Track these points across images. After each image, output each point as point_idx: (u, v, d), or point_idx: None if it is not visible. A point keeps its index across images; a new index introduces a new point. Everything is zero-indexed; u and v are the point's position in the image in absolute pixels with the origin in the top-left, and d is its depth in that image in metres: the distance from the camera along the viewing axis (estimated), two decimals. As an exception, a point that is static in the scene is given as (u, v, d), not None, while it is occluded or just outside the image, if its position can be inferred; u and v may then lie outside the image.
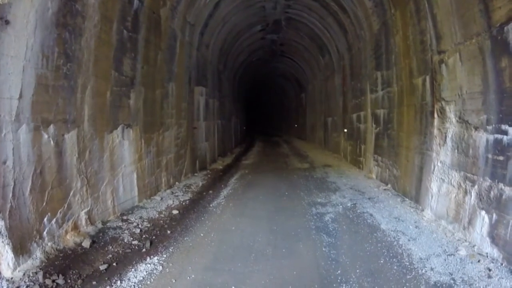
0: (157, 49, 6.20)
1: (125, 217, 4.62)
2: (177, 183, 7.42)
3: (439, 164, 4.36)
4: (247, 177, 8.27)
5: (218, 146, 11.88)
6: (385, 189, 5.99)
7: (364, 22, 7.66)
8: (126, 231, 4.07)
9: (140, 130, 5.53)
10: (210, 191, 6.65)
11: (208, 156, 10.26)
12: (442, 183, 4.26)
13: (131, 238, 3.88)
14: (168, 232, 4.20)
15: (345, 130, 9.96)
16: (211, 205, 5.54)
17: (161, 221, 4.61)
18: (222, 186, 7.16)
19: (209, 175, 8.56)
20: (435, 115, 4.49)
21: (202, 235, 4.10)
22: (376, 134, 7.03)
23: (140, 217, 4.64)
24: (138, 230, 4.15)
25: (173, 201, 5.71)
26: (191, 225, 4.47)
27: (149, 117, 5.91)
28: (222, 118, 12.75)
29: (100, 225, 4.16)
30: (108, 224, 4.24)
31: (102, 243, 3.66)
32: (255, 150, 15.67)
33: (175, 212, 5.12)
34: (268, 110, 32.43)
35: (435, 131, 4.48)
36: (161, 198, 5.87)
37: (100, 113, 4.38)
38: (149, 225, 4.40)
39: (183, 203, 5.68)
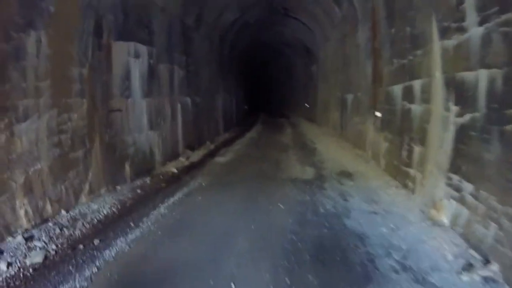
0: None
1: None
2: (62, 212, 3.92)
3: None
4: (195, 199, 4.58)
5: (186, 135, 8.22)
6: (490, 280, 2.19)
7: None
8: None
9: None
10: (95, 242, 3.10)
11: (159, 152, 6.64)
12: None
13: None
14: None
15: (377, 114, 5.95)
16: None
17: None
18: (132, 225, 3.55)
19: (138, 190, 4.97)
20: None
21: None
22: (461, 128, 3.11)
23: None
24: None
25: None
26: None
27: None
28: (194, 94, 9.00)
29: None
30: None
31: None
32: (248, 137, 11.94)
33: None
34: (276, 87, 28.17)
35: None
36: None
37: None
38: None
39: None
